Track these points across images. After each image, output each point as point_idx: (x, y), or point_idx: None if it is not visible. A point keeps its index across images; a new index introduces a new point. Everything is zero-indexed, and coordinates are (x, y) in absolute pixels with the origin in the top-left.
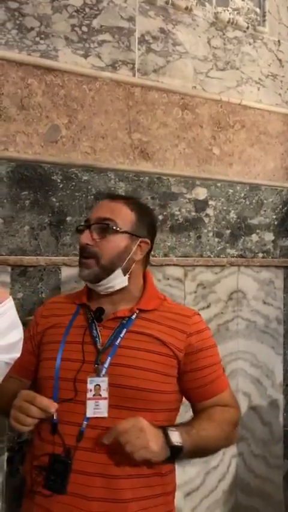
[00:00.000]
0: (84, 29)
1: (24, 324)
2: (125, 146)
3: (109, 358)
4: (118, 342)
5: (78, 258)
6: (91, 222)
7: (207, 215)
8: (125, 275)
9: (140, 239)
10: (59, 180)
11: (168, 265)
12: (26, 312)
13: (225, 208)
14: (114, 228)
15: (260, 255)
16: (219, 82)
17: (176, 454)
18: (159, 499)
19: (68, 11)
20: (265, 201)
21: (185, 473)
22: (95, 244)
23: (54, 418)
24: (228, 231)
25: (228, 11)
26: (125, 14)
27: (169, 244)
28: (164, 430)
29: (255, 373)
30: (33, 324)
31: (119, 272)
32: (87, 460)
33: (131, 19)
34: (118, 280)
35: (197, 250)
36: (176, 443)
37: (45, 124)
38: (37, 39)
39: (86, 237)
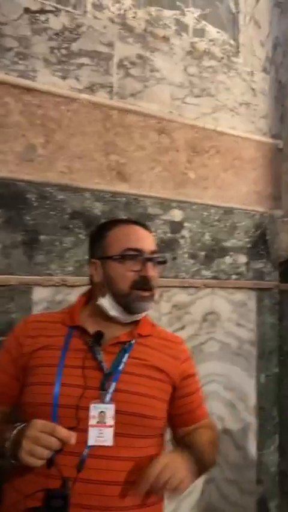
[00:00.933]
0: (63, 51)
1: None
2: (101, 167)
3: (113, 383)
4: (121, 367)
5: (51, 277)
6: (146, 255)
7: (182, 237)
8: None
9: None
10: (33, 199)
11: None
12: None
13: (200, 230)
14: (165, 261)
15: (234, 276)
16: (195, 108)
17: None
18: None
19: (47, 34)
20: (238, 224)
21: None
22: (153, 278)
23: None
24: (203, 253)
25: (204, 41)
26: (104, 39)
27: None
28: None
29: (228, 396)
30: (15, 344)
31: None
32: (86, 492)
33: (110, 44)
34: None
35: (172, 271)
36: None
37: (21, 143)
38: (15, 59)
39: (152, 270)
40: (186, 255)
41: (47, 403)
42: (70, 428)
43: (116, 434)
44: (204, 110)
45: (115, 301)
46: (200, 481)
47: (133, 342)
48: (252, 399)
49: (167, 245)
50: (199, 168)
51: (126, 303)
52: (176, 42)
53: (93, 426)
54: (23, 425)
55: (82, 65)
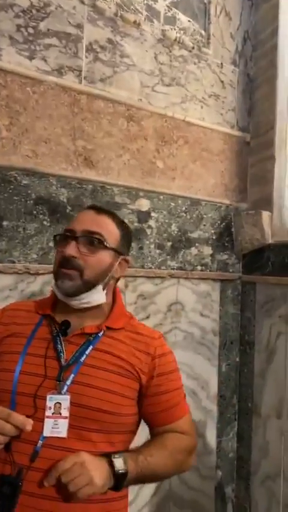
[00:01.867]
0: (30, 30)
1: None
2: (68, 152)
3: (72, 375)
4: (83, 359)
5: (13, 264)
6: (77, 234)
7: (149, 227)
8: (103, 291)
9: (121, 257)
10: None
11: None
12: None
13: (167, 220)
14: (104, 243)
15: (199, 267)
16: (164, 97)
17: (120, 481)
18: None
19: (13, 11)
20: (205, 216)
21: None
22: (80, 257)
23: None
24: (169, 243)
25: (175, 29)
26: (73, 21)
27: None
28: (109, 457)
29: (191, 384)
30: None
31: (99, 288)
32: (38, 481)
33: (79, 26)
34: (97, 296)
35: (138, 261)
36: (120, 471)
37: None
38: None
39: (72, 249)
40: (152, 245)
41: (7, 389)
42: (27, 417)
43: (71, 427)
44: (173, 100)
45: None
46: None
47: (100, 334)
48: (214, 388)
49: (133, 235)
50: (167, 158)
51: (55, 282)
52: (146, 28)
53: (49, 417)
54: None
55: (50, 45)
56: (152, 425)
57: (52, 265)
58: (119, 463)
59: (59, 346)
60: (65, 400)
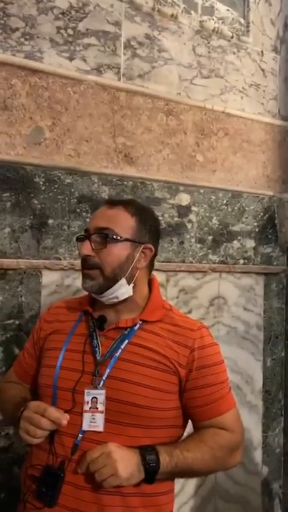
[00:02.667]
0: (70, 31)
1: (3, 327)
2: (109, 150)
3: (108, 370)
4: (118, 354)
5: (59, 261)
6: (90, 232)
7: (190, 221)
8: (129, 284)
9: (143, 245)
10: (41, 183)
11: None
12: (6, 316)
13: (207, 214)
14: (114, 237)
15: (241, 261)
16: (203, 89)
17: (151, 474)
18: None
19: (53, 13)
20: (247, 208)
21: None
22: (95, 255)
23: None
24: (210, 237)
25: (213, 20)
26: (111, 19)
27: None
28: (142, 450)
29: (235, 379)
30: (38, 328)
31: (123, 282)
32: (79, 473)
33: (117, 24)
34: (122, 290)
35: (179, 255)
36: (151, 464)
37: (28, 125)
38: (22, 40)
39: (86, 248)
40: (193, 240)
41: (49, 384)
42: (66, 411)
43: (108, 421)
44: (212, 92)
45: None
46: None
47: (136, 327)
48: (259, 382)
49: (174, 229)
50: (207, 151)
51: None
52: (184, 21)
53: (86, 411)
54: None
55: (89, 45)
56: (193, 421)
57: None
58: (150, 456)
59: (95, 341)
60: (100, 394)
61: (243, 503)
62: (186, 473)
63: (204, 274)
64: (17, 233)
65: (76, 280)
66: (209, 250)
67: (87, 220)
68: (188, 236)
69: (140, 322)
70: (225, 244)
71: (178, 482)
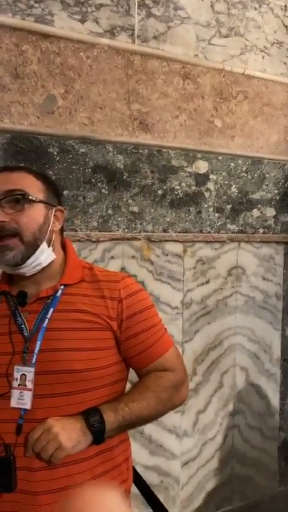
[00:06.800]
0: None
1: None
2: (123, 117)
3: (38, 343)
4: (45, 324)
5: (75, 233)
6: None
7: (207, 189)
8: (49, 248)
9: (55, 208)
10: (55, 153)
11: (167, 241)
12: None
13: (226, 182)
14: (30, 198)
15: (261, 230)
16: (222, 50)
17: (98, 435)
18: (112, 472)
19: None
20: (267, 176)
21: (183, 444)
22: (11, 220)
23: None
24: (229, 206)
25: None
26: None
27: (168, 219)
28: (83, 414)
29: (253, 348)
30: None
31: (44, 246)
32: (27, 456)
33: None
34: (45, 255)
35: (196, 225)
36: (96, 425)
37: (41, 94)
38: (31, 2)
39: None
40: (211, 209)
41: None
42: (5, 397)
43: (39, 397)
44: (232, 52)
45: None
46: (224, 427)
47: (58, 294)
48: (277, 351)
49: (191, 198)
50: (226, 116)
51: None
52: None
53: (15, 388)
54: None
55: (101, 5)
56: (135, 369)
57: (111, 233)
58: (93, 417)
59: (19, 318)
60: (29, 372)
61: (259, 467)
62: (136, 423)
63: (223, 244)
64: None
65: (93, 252)
66: (228, 220)
67: (103, 191)
68: (206, 205)
69: (62, 287)
70: (244, 213)
71: (196, 447)
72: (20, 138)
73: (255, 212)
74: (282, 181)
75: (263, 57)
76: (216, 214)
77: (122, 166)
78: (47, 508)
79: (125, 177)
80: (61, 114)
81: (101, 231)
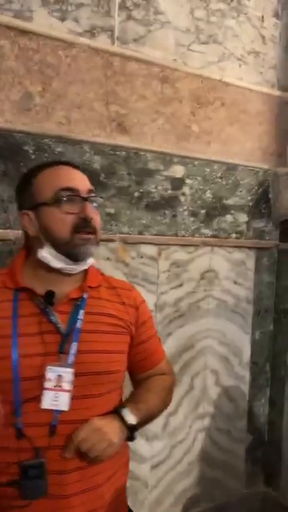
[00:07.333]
0: None
1: None
2: (101, 118)
3: (75, 344)
4: (79, 325)
5: None
6: (83, 194)
7: (183, 194)
8: None
9: None
10: (31, 151)
11: (142, 243)
12: None
13: (201, 187)
14: (101, 202)
15: (234, 235)
16: (200, 56)
17: (133, 431)
18: (121, 470)
19: None
20: (241, 182)
21: (152, 447)
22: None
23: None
24: (203, 211)
25: None
26: None
27: (144, 222)
28: (117, 413)
29: (223, 351)
30: None
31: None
32: (62, 458)
33: None
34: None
35: (171, 229)
36: (131, 422)
37: (18, 90)
38: None
39: (91, 211)
40: (186, 213)
41: (7, 379)
42: (34, 398)
43: (76, 398)
44: (210, 59)
45: (56, 250)
46: (193, 430)
47: (85, 296)
48: (247, 354)
49: (167, 202)
50: (203, 121)
51: (69, 250)
52: None
53: (49, 389)
54: None
55: (82, 4)
56: (135, 373)
57: None
58: (128, 416)
59: (53, 318)
60: (67, 372)
61: (227, 469)
62: (148, 421)
63: (196, 247)
64: (5, 203)
65: None
66: (202, 224)
67: None
68: (181, 209)
69: (88, 290)
70: (218, 218)
71: (165, 449)
72: None
73: (229, 217)
74: (256, 188)
75: (240, 66)
76: (191, 218)
77: (98, 167)
78: (77, 510)
79: (101, 178)
80: (38, 112)
81: None
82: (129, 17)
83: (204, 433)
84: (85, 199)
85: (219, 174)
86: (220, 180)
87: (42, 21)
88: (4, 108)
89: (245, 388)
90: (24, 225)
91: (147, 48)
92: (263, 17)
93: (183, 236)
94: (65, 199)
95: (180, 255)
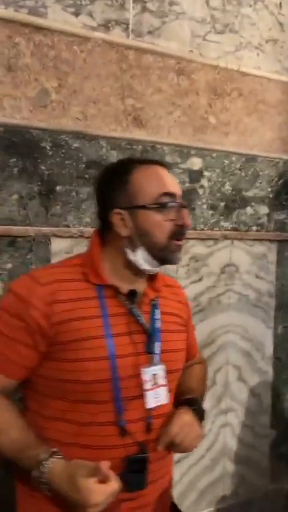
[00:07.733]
0: None
1: None
2: (117, 112)
3: (158, 344)
4: (159, 325)
5: (68, 229)
6: (179, 199)
7: (201, 186)
8: None
9: None
10: (48, 147)
11: None
12: None
13: (220, 179)
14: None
15: (254, 228)
16: (217, 46)
17: (203, 419)
18: (172, 466)
19: None
20: (261, 173)
21: None
22: None
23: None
24: (222, 203)
25: None
26: None
27: None
28: (190, 405)
29: (245, 346)
30: (40, 314)
31: None
32: (151, 450)
33: None
34: None
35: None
36: (204, 412)
37: (34, 87)
38: None
39: (188, 217)
40: (205, 206)
41: (105, 379)
42: (134, 397)
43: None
44: (226, 48)
45: (151, 254)
46: (216, 425)
47: (159, 296)
48: (269, 349)
49: (185, 195)
50: (220, 113)
51: (164, 255)
52: None
53: (148, 390)
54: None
55: None
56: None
57: None
58: (199, 409)
59: (140, 318)
60: (160, 369)
61: (251, 465)
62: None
63: (216, 241)
64: (25, 200)
65: (86, 248)
66: (221, 217)
67: None
68: (200, 202)
69: (159, 290)
70: (237, 210)
71: None
72: (13, 132)
73: (249, 210)
74: (276, 179)
75: (258, 55)
76: (210, 212)
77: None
78: (149, 498)
79: None
80: (54, 108)
81: (94, 227)
82: (144, 9)
83: (227, 429)
84: (184, 206)
85: (238, 166)
86: (239, 172)
87: (57, 17)
88: (21, 105)
89: (268, 383)
90: (117, 224)
91: (163, 40)
92: (280, 3)
93: (202, 230)
94: (169, 205)
95: (199, 249)
